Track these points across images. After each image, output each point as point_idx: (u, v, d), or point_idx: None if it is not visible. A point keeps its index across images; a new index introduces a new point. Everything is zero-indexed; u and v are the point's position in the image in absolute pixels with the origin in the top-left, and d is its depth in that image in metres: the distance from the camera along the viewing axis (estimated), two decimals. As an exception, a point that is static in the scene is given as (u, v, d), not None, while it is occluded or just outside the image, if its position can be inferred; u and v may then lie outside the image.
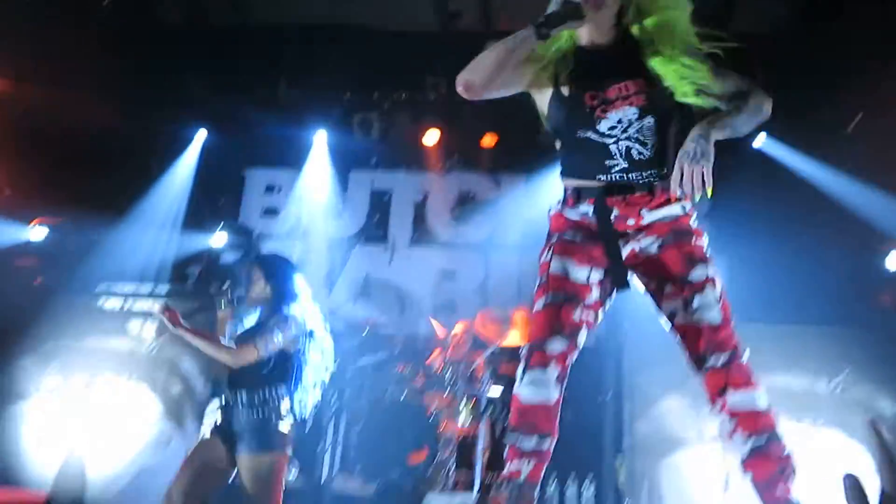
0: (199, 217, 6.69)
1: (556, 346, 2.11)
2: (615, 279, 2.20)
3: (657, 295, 2.21)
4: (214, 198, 7.03)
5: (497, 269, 6.85)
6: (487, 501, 4.42)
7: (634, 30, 2.19)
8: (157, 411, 4.43)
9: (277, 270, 3.36)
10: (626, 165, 2.15)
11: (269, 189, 7.36)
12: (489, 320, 5.61)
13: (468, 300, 6.71)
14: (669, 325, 2.18)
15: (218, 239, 6.06)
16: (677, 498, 4.24)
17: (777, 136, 5.74)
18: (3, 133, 5.68)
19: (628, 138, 2.14)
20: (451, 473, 4.73)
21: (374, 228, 7.16)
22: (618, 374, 4.87)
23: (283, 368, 3.11)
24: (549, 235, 2.29)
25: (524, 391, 2.11)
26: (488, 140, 7.08)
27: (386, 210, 7.23)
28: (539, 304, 2.18)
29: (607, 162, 2.17)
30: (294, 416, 3.09)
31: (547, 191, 6.95)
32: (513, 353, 5.44)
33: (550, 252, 2.23)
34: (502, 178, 7.17)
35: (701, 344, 2.08)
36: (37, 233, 5.86)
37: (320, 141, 7.17)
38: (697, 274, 2.13)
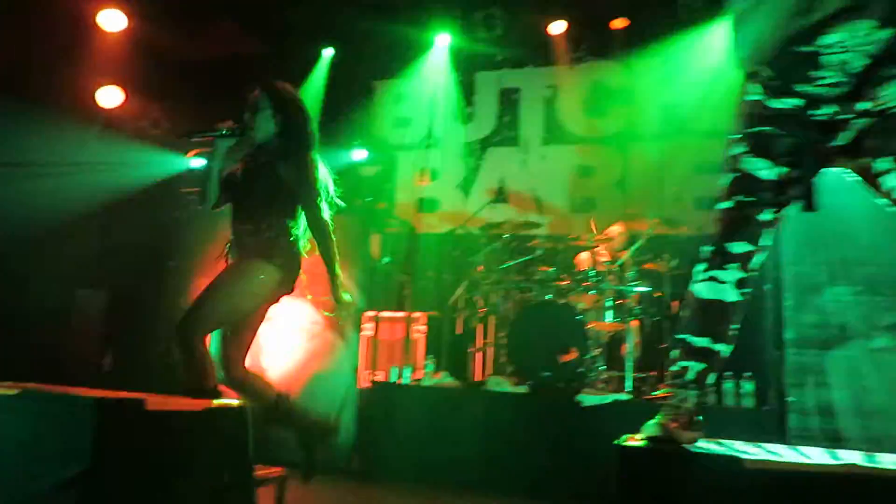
0: (332, 134, 6.85)
1: (739, 246, 2.02)
2: (809, 180, 2.02)
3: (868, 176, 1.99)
4: (346, 113, 7.15)
5: (637, 161, 6.57)
6: (641, 400, 4.46)
7: None
8: (321, 322, 4.74)
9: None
10: None
11: (399, 99, 7.39)
12: (631, 216, 5.44)
13: (608, 196, 6.53)
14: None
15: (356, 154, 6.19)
16: (846, 394, 4.04)
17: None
18: (154, 70, 6.03)
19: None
20: (601, 372, 4.77)
21: (506, 129, 7.04)
22: (776, 263, 4.60)
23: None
24: (742, 125, 2.12)
25: (700, 288, 2.05)
26: (619, 24, 6.64)
27: (516, 109, 7.06)
28: (727, 202, 2.07)
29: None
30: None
31: (686, 74, 6.48)
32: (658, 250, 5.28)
33: (743, 146, 2.08)
34: (636, 64, 6.75)
35: None
36: (196, 161, 6.27)
37: (444, 44, 7.03)
38: None
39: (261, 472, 2.50)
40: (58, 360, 4.24)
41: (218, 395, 2.69)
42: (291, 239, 2.91)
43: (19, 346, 4.34)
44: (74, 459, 1.85)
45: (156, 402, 2.09)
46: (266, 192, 2.89)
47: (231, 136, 2.96)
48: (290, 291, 2.95)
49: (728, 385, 4.30)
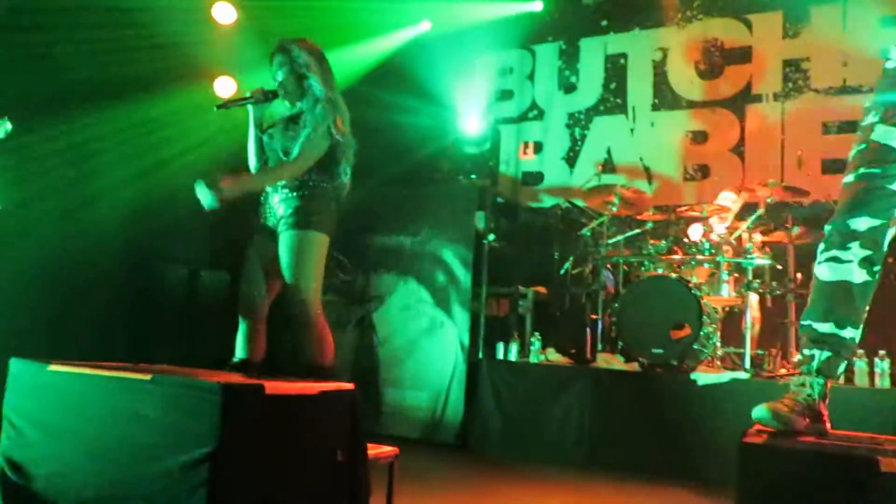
0: (432, 111, 6.86)
1: (862, 223, 1.87)
2: None
3: None
4: (447, 89, 7.13)
5: (755, 125, 6.18)
6: (761, 378, 4.24)
7: None
8: (428, 299, 4.82)
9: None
10: None
11: (502, 72, 7.29)
12: (750, 184, 5.12)
13: (724, 162, 6.20)
14: None
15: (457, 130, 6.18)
16: None
17: None
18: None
19: None
20: (717, 349, 4.58)
21: (612, 97, 6.80)
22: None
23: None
24: (879, 93, 1.96)
25: (821, 269, 1.92)
26: (734, -24, 6.23)
27: (622, 75, 6.81)
28: (850, 175, 1.92)
29: None
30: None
31: (811, 28, 6.00)
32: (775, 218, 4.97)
33: (878, 115, 1.92)
34: (753, 20, 6.32)
35: None
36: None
37: (542, 13, 6.86)
38: None
39: (373, 451, 2.58)
40: (186, 342, 4.55)
41: (335, 372, 2.80)
42: (328, 197, 2.95)
43: (149, 328, 4.69)
44: (203, 441, 1.97)
45: (274, 385, 2.19)
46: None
47: (261, 101, 3.01)
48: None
49: (860, 364, 4.02)
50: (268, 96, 3.02)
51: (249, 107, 3.03)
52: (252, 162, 3.10)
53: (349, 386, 2.48)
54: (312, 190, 2.92)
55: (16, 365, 2.40)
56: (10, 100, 3.80)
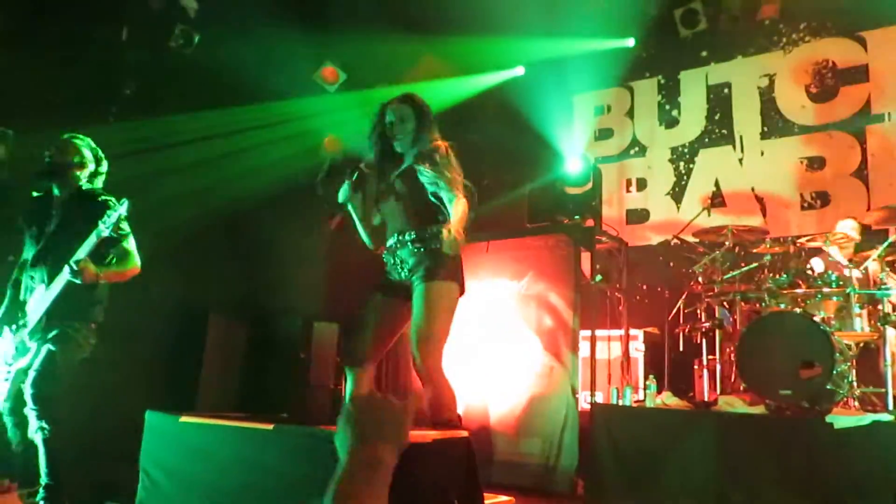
0: (533, 155, 6.87)
1: None
2: None
3: None
4: (547, 131, 7.15)
5: (877, 146, 5.79)
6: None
7: None
8: (537, 345, 4.75)
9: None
10: None
11: (599, 110, 7.25)
12: (878, 210, 4.78)
13: (846, 188, 5.83)
14: None
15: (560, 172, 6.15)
16: None
17: None
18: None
19: None
20: (854, 389, 4.23)
21: (717, 128, 6.59)
22: None
23: None
24: None
25: None
26: (841, -6, 5.96)
27: (727, 105, 6.59)
28: None
29: None
30: None
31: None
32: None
33: None
34: (867, 37, 5.99)
35: None
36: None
37: (639, 49, 6.81)
38: None
39: (489, 500, 2.54)
40: (299, 390, 4.71)
41: (459, 424, 2.76)
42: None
43: (265, 378, 4.89)
44: (321, 487, 2.01)
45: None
46: (418, 202, 2.98)
47: (362, 171, 3.05)
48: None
49: None
50: (365, 164, 3.09)
51: (347, 186, 3.06)
52: (367, 240, 3.17)
53: (463, 434, 2.47)
54: (439, 242, 2.91)
55: (151, 417, 2.55)
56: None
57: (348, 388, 3.04)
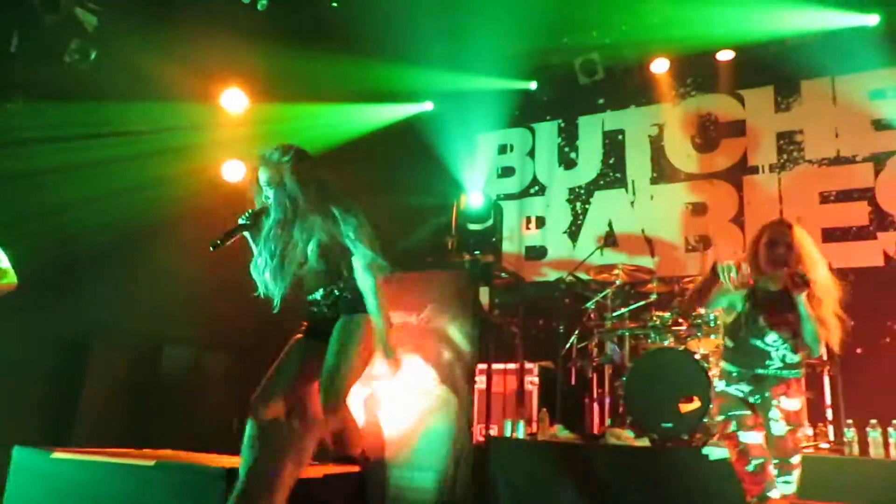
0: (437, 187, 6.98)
1: None
2: None
3: None
4: (449, 168, 7.28)
5: (753, 195, 6.27)
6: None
7: None
8: (433, 377, 4.77)
9: None
10: None
11: (501, 149, 7.48)
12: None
13: (725, 233, 6.26)
14: None
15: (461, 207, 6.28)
16: None
17: None
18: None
19: None
20: (729, 421, 4.49)
21: (612, 172, 6.94)
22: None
23: None
24: None
25: None
26: (725, 55, 6.46)
27: (621, 151, 6.97)
28: None
29: None
30: None
31: (802, 101, 6.17)
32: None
33: None
34: (745, 95, 6.52)
35: None
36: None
37: (540, 93, 7.11)
38: None
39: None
40: (190, 423, 4.52)
41: (366, 461, 2.72)
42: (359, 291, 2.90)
43: (154, 410, 4.67)
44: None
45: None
46: (322, 257, 2.91)
47: (253, 223, 2.93)
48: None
49: (874, 434, 3.94)
50: (259, 216, 2.93)
51: (247, 234, 2.95)
52: (273, 290, 2.94)
53: (354, 468, 2.45)
54: (348, 282, 2.91)
55: (19, 454, 2.39)
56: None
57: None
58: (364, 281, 2.85)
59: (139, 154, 5.27)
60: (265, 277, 2.89)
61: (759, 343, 2.84)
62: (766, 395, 2.80)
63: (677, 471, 4.07)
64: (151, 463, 2.08)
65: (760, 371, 2.83)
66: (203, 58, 5.78)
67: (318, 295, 2.94)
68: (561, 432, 4.81)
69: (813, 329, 2.71)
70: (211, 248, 2.84)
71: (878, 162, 5.82)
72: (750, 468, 2.66)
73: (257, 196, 2.97)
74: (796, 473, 2.74)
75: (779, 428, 2.75)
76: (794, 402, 2.78)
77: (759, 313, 2.84)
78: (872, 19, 5.80)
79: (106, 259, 5.20)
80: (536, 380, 5.48)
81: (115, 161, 5.09)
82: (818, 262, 2.86)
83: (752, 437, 2.72)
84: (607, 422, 4.79)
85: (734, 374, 2.88)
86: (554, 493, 4.29)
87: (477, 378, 4.85)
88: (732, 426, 2.77)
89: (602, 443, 4.53)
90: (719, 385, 2.95)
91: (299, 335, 3.03)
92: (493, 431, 4.96)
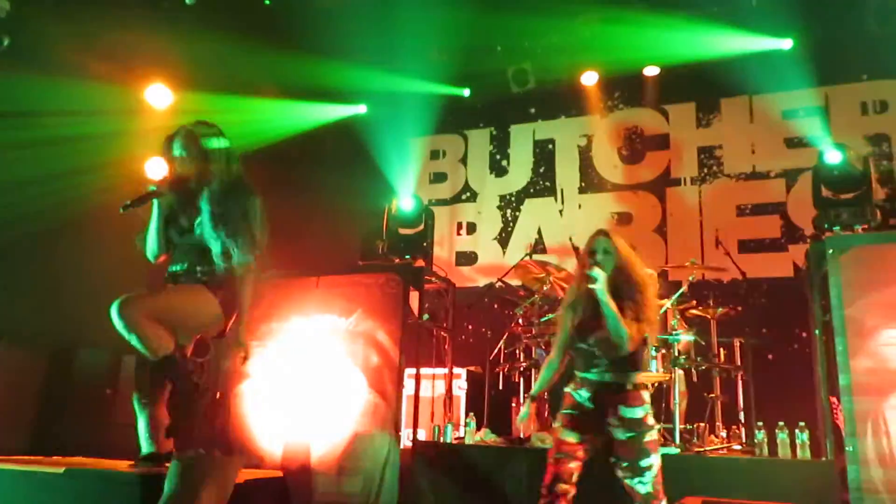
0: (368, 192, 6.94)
1: None
2: None
3: None
4: (382, 171, 7.26)
5: (675, 207, 6.51)
6: (689, 453, 4.30)
7: None
8: (362, 382, 4.74)
9: None
10: None
11: (434, 154, 7.51)
12: (674, 263, 5.35)
13: (648, 243, 6.46)
14: None
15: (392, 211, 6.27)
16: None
17: None
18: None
19: None
20: (649, 424, 4.63)
21: (541, 180, 7.08)
22: (825, 307, 4.45)
23: None
24: None
25: None
26: (651, 71, 6.69)
27: (551, 160, 7.11)
28: None
29: None
30: None
31: (722, 118, 6.46)
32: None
33: None
34: (669, 110, 6.77)
35: None
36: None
37: (473, 101, 7.18)
38: None
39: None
40: (106, 430, 4.33)
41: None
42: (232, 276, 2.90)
43: (67, 416, 4.45)
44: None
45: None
46: (198, 232, 2.95)
47: (161, 192, 2.97)
48: (223, 332, 2.93)
49: (782, 436, 4.14)
50: (171, 186, 2.97)
51: (155, 200, 2.98)
52: (152, 249, 3.04)
53: (277, 474, 2.41)
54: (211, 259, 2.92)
55: (-86, 460, 2.24)
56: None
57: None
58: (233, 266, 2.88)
59: (51, 139, 4.99)
60: (155, 246, 3.00)
61: (584, 346, 2.96)
62: (602, 402, 2.90)
63: (601, 472, 4.16)
64: (61, 470, 1.99)
65: (591, 376, 2.93)
66: (126, 50, 5.57)
67: (177, 267, 2.95)
68: (488, 436, 4.86)
69: (615, 323, 2.80)
70: (121, 210, 2.88)
71: (790, 178, 6.14)
72: (551, 459, 2.88)
73: (172, 164, 3.01)
74: (649, 475, 2.83)
75: (619, 433, 2.85)
76: (635, 411, 2.86)
77: (580, 316, 2.96)
78: (787, 43, 6.13)
79: (14, 255, 4.93)
80: (465, 384, 5.51)
81: (24, 147, 4.83)
82: (636, 264, 3.02)
83: (565, 434, 2.88)
84: (533, 426, 4.86)
85: (577, 379, 2.99)
86: (479, 496, 4.32)
87: (405, 383, 4.85)
88: (557, 422, 2.96)
89: (528, 446, 4.59)
90: (568, 387, 3.05)
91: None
92: (422, 436, 4.96)
